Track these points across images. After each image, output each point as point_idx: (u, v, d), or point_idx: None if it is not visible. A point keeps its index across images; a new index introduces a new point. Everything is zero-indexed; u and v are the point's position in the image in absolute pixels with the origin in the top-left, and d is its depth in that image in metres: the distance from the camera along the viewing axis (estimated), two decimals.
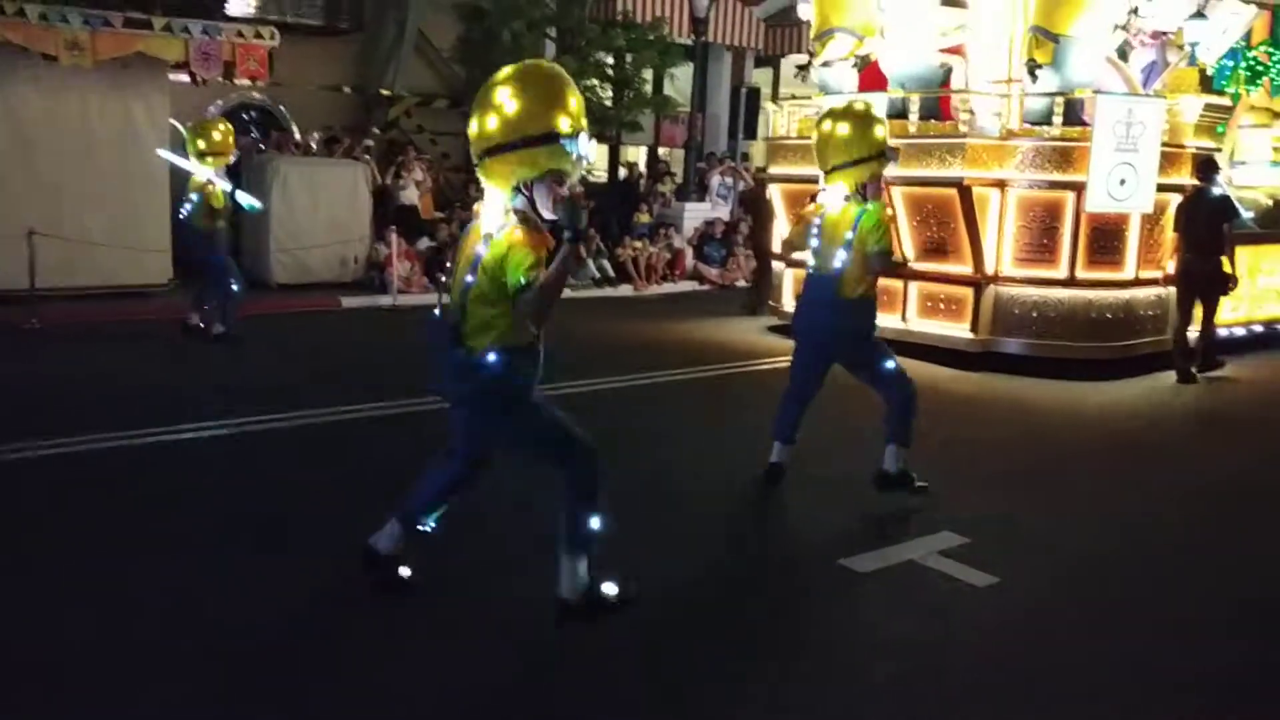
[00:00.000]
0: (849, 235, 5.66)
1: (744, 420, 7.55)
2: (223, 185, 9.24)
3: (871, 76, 11.05)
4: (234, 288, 9.55)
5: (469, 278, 3.93)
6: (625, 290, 14.68)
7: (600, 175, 20.19)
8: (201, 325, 9.74)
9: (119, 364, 8.81)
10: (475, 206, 4.14)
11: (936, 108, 10.25)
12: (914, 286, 10.21)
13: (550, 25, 15.92)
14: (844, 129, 5.74)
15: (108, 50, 10.83)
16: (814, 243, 5.85)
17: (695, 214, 16.65)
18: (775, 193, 11.73)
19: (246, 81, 12.70)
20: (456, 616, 4.25)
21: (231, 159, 9.67)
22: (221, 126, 9.52)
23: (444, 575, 4.47)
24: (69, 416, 6.84)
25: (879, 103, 9.68)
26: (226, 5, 15.17)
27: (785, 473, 6.06)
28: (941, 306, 10.06)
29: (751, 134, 19.38)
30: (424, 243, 13.60)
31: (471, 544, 4.80)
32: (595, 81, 15.68)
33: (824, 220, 5.83)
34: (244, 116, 17.07)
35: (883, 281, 8.81)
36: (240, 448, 6.54)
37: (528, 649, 4.06)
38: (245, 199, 9.38)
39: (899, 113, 10.00)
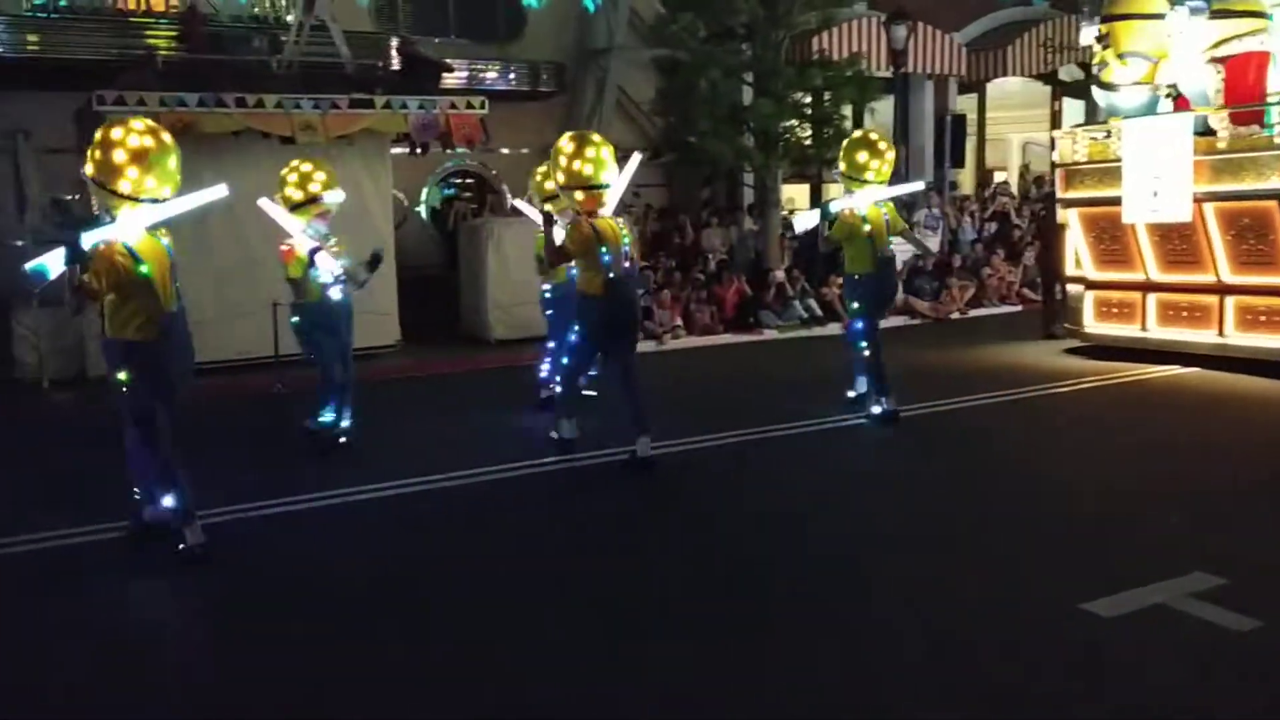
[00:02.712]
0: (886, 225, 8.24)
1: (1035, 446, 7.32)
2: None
3: (1181, 101, 11.05)
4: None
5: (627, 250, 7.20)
6: (834, 328, 14.45)
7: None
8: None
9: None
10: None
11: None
12: (1230, 300, 10.07)
13: (747, 70, 16.01)
14: (887, 150, 8.18)
15: (337, 129, 11.64)
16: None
17: (904, 247, 16.24)
18: (1073, 216, 11.60)
19: (463, 149, 13.35)
20: None
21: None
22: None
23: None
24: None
25: (1187, 123, 9.95)
26: (442, 80, 16.06)
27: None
28: (1263, 319, 9.83)
29: (959, 162, 18.82)
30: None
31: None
32: (794, 122, 15.63)
33: (867, 218, 8.02)
34: (458, 182, 18.07)
35: (1193, 297, 10.55)
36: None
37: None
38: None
39: (1204, 130, 10.00)
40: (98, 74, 11.78)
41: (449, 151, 14.06)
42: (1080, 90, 22.58)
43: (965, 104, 21.70)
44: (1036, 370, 10.64)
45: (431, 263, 16.13)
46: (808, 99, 16.05)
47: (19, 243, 10.85)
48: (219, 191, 5.87)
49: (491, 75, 17.39)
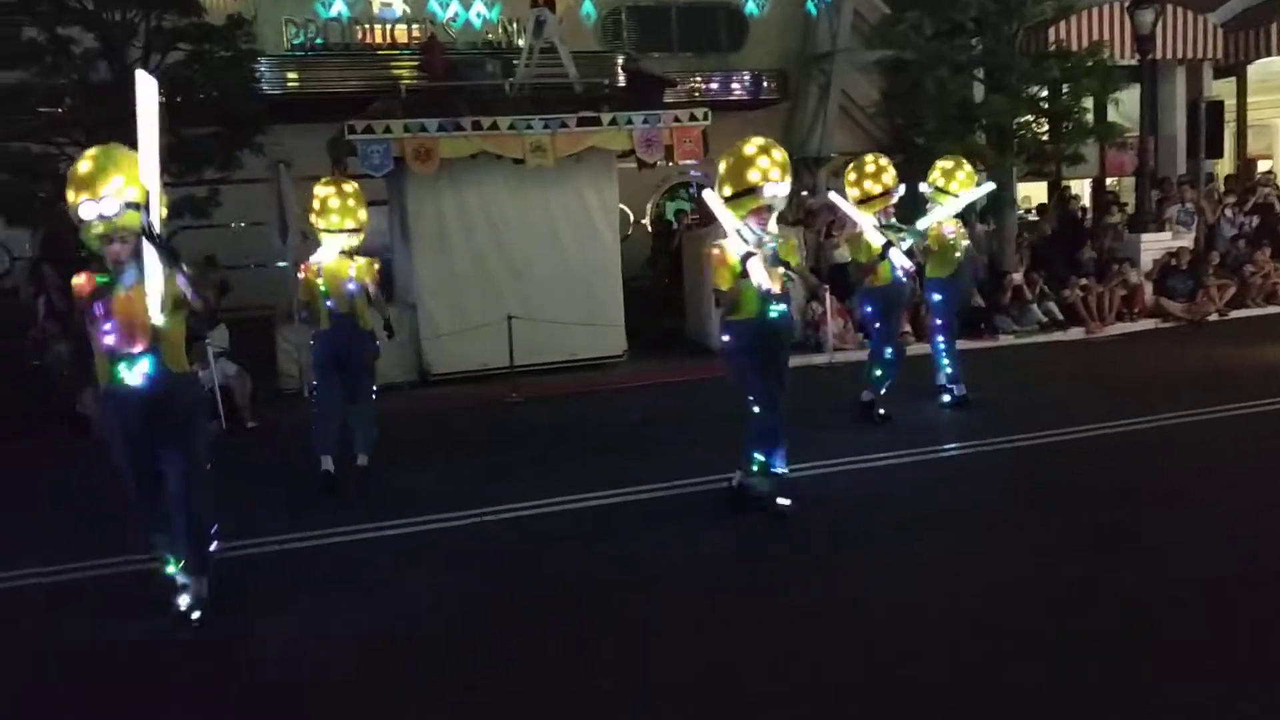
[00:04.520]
0: None
1: None
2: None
3: None
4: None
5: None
6: (1075, 333, 13.69)
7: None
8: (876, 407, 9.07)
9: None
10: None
11: None
12: None
13: (977, 66, 15.42)
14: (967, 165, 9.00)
15: (565, 149, 11.98)
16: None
17: (1153, 245, 15.23)
18: None
19: (688, 161, 13.45)
20: None
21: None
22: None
23: None
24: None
25: None
26: (665, 93, 16.28)
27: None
28: None
29: (1215, 152, 17.41)
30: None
31: None
32: (1030, 117, 14.92)
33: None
34: (680, 194, 18.26)
35: None
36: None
37: None
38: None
39: None
40: (348, 105, 12.63)
41: (670, 165, 14.21)
42: None
43: (1222, 89, 20.10)
44: None
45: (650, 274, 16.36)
46: (1044, 92, 15.28)
47: (282, 264, 11.76)
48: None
49: (714, 86, 17.51)
